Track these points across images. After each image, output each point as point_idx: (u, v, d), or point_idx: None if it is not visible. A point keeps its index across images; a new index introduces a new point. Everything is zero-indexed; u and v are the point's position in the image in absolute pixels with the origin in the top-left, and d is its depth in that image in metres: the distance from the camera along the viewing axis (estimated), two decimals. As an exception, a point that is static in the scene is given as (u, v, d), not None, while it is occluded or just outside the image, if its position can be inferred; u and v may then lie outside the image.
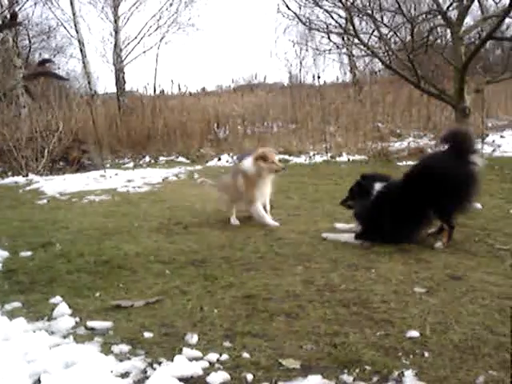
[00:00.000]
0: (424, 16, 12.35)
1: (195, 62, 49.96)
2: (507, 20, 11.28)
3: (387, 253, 5.11)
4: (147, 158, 15.95)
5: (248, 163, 6.51)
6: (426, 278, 4.38)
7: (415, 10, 17.97)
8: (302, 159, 13.59)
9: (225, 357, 3.19)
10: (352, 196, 5.84)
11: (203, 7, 44.03)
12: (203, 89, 24.71)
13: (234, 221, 6.71)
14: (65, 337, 3.58)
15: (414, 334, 3.38)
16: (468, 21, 12.59)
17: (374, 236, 5.43)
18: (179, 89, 21.25)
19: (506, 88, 17.84)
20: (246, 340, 3.41)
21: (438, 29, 13.28)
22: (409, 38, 11.56)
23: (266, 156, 6.41)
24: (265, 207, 6.65)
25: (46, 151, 13.53)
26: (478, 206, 6.64)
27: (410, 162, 11.28)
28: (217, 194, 7.09)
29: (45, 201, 8.95)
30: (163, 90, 21.31)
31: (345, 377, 2.93)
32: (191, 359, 3.15)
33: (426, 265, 4.72)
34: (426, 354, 3.13)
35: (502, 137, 15.07)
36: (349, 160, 12.80)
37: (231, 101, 20.51)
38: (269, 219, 6.50)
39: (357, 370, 2.99)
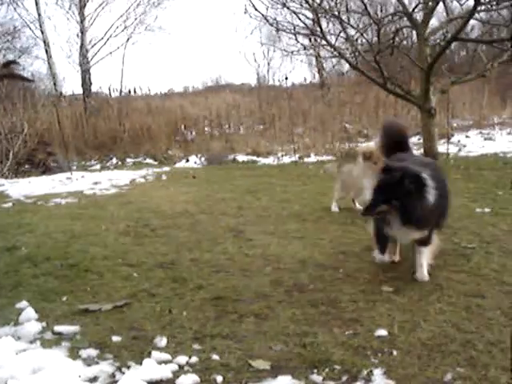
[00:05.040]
0: (390, 18, 12.46)
1: (162, 62, 49.70)
2: (472, 21, 11.47)
3: (355, 253, 5.16)
4: (114, 160, 15.80)
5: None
6: (394, 277, 4.43)
7: (381, 11, 18.15)
8: (270, 160, 13.63)
9: (194, 359, 3.18)
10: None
11: (170, 8, 43.79)
12: (170, 90, 24.59)
13: (335, 208, 7.10)
14: (31, 342, 3.52)
15: (383, 332, 3.42)
16: (433, 22, 12.76)
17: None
18: (141, 90, 21.11)
19: (471, 89, 18.10)
20: (215, 342, 3.40)
21: (404, 30, 13.41)
22: (375, 39, 11.65)
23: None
24: None
25: (10, 154, 13.29)
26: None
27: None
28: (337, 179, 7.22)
29: (10, 204, 8.79)
30: (130, 91, 21.14)
31: (314, 377, 2.95)
32: (160, 362, 3.14)
33: (393, 264, 4.77)
34: (395, 353, 3.16)
35: (467, 137, 15.32)
36: (317, 161, 12.86)
37: (199, 102, 20.45)
38: None
39: (326, 370, 3.01)
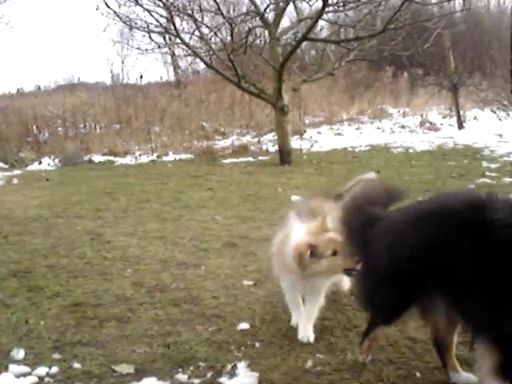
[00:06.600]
0: (243, 17, 12.67)
1: (11, 60, 47.09)
2: (321, 22, 11.97)
3: (215, 249, 5.22)
4: (-41, 165, 14.80)
5: None
6: (254, 270, 4.55)
7: (234, 11, 18.40)
8: (127, 160, 13.40)
9: (55, 369, 3.08)
10: None
11: (18, 4, 41.54)
12: (20, 89, 23.40)
13: None
14: None
15: (245, 326, 3.50)
16: (285, 22, 13.12)
17: None
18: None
19: (322, 86, 18.86)
20: (76, 350, 3.31)
21: (257, 30, 13.71)
22: (229, 38, 11.81)
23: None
24: None
25: None
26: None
27: (235, 160, 11.64)
28: None
29: None
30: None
31: (179, 376, 2.97)
32: (19, 375, 3.02)
33: (252, 258, 4.89)
34: (257, 345, 3.25)
35: (318, 133, 15.98)
36: (175, 159, 12.86)
37: (51, 101, 19.63)
38: None
39: (191, 368, 3.04)
